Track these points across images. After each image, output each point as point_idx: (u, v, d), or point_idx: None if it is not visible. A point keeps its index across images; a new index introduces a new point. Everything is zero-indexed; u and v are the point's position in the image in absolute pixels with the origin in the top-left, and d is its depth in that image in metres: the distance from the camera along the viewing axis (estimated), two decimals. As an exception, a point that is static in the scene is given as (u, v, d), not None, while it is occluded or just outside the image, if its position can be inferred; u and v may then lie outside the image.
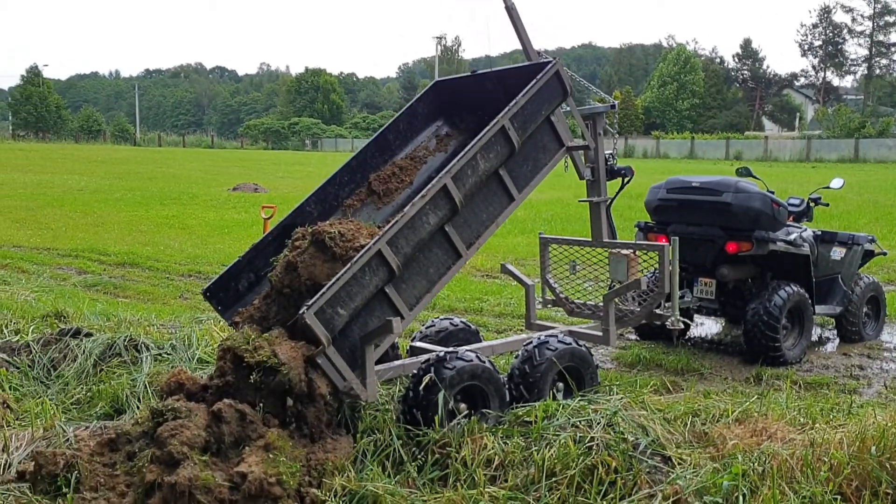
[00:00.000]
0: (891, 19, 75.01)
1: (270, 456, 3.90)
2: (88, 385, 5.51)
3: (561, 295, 6.42)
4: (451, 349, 4.73)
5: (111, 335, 6.08)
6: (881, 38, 75.94)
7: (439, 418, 4.33)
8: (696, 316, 7.73)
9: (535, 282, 6.41)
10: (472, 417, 4.45)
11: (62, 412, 5.10)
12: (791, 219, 7.15)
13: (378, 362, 4.93)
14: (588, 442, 4.24)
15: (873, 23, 75.40)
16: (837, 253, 7.25)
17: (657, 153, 58.71)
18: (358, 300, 4.25)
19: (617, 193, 6.16)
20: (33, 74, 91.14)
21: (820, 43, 78.93)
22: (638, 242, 6.14)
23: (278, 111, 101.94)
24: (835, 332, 7.75)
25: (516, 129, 4.86)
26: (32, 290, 8.82)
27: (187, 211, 18.45)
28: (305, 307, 4.03)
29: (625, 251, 5.88)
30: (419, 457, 4.23)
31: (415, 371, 4.64)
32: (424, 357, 4.79)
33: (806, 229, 6.93)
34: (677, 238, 5.66)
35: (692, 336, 7.67)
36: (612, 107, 5.83)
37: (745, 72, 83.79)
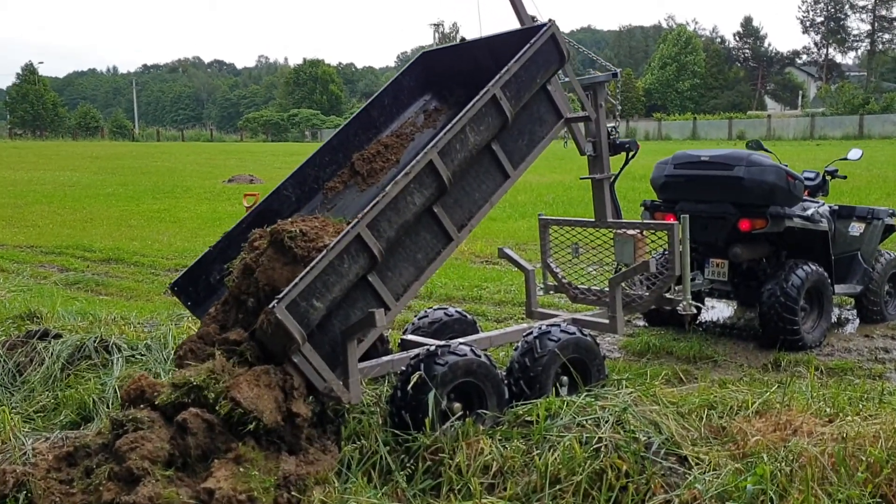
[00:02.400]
0: (893, -7, 74.08)
1: (241, 470, 3.49)
2: (55, 391, 5.10)
3: (563, 280, 5.98)
4: (443, 343, 4.31)
5: (82, 336, 5.66)
6: (883, 12, 75.09)
7: (430, 421, 3.91)
8: (706, 299, 7.28)
9: (535, 267, 5.97)
10: (467, 418, 4.02)
11: (24, 421, 4.71)
12: (806, 193, 6.70)
13: (364, 358, 4.53)
14: (595, 443, 3.82)
15: (875, -3, 74.50)
16: (856, 228, 6.80)
17: (659, 135, 58.14)
18: (336, 291, 3.82)
19: (621, 169, 5.72)
20: (29, 72, 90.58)
21: (822, 19, 78.10)
22: (645, 222, 5.69)
23: (277, 103, 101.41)
24: (854, 312, 7.31)
25: (509, 99, 4.42)
26: (9, 289, 8.40)
27: (180, 204, 18.02)
28: (276, 300, 3.61)
29: (631, 231, 5.44)
30: (409, 465, 3.82)
31: (403, 368, 4.22)
32: (414, 352, 4.36)
33: (823, 204, 6.48)
34: (687, 216, 5.21)
35: (703, 321, 7.24)
36: (615, 75, 5.38)
37: (747, 51, 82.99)
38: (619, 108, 5.74)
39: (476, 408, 4.23)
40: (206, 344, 4.02)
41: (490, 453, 3.80)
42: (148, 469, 3.47)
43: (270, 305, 3.60)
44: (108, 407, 4.76)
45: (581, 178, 5.77)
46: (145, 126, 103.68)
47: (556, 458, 3.73)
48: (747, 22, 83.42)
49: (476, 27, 5.29)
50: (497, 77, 4.33)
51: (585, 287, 5.86)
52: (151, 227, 14.40)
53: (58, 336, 5.76)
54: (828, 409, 4.40)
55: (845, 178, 7.24)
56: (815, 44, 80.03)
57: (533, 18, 5.19)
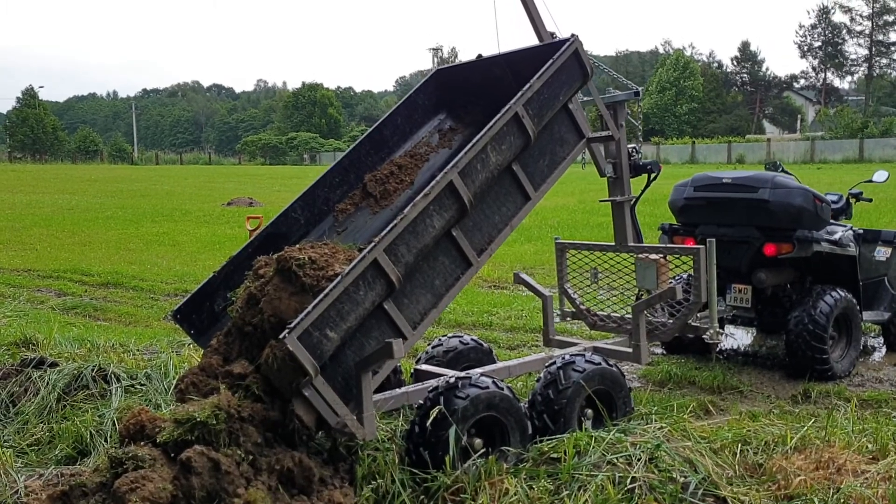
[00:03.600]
0: (890, 18, 74.48)
1: (251, 518, 3.22)
2: (50, 423, 4.84)
3: (581, 306, 5.74)
4: (462, 374, 4.05)
5: (79, 364, 5.40)
6: (881, 37, 75.43)
7: (451, 459, 3.65)
8: (726, 326, 7.02)
9: (552, 292, 5.73)
10: (490, 456, 3.75)
11: (17, 456, 4.45)
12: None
13: (377, 390, 4.27)
14: (629, 483, 3.56)
15: (872, 22, 74.90)
16: (882, 253, 6.57)
17: (658, 159, 57.96)
18: (351, 320, 3.58)
19: (642, 192, 5.50)
20: (29, 96, 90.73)
21: (819, 44, 78.43)
22: (669, 246, 5.46)
23: (276, 127, 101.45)
24: (879, 340, 7.06)
25: (531, 117, 4.21)
26: (5, 314, 8.14)
27: (179, 227, 17.78)
28: (287, 330, 3.36)
29: (653, 256, 5.21)
30: (429, 506, 3.55)
31: (420, 401, 3.96)
32: (431, 384, 4.11)
33: (850, 227, 6.25)
34: (714, 240, 4.98)
35: (724, 349, 6.98)
36: (636, 94, 5.17)
37: (745, 75, 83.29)
38: (641, 128, 5.53)
39: (498, 444, 3.98)
40: (209, 377, 3.77)
41: (515, 494, 3.55)
42: (148, 513, 3.20)
43: (281, 336, 3.36)
44: (105, 441, 4.51)
45: (601, 201, 5.55)
46: (144, 150, 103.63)
47: (587, 500, 3.48)
48: (745, 46, 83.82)
49: (472, 52, 5.07)
50: (520, 94, 4.12)
51: (605, 314, 5.62)
52: (150, 250, 14.15)
53: (54, 364, 5.50)
54: (870, 446, 4.14)
55: (871, 200, 7.02)
56: (813, 68, 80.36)
57: (552, 35, 5.00)
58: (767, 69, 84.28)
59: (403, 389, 4.41)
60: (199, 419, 3.45)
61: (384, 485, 3.64)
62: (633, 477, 3.58)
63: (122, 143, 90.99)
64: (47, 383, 5.21)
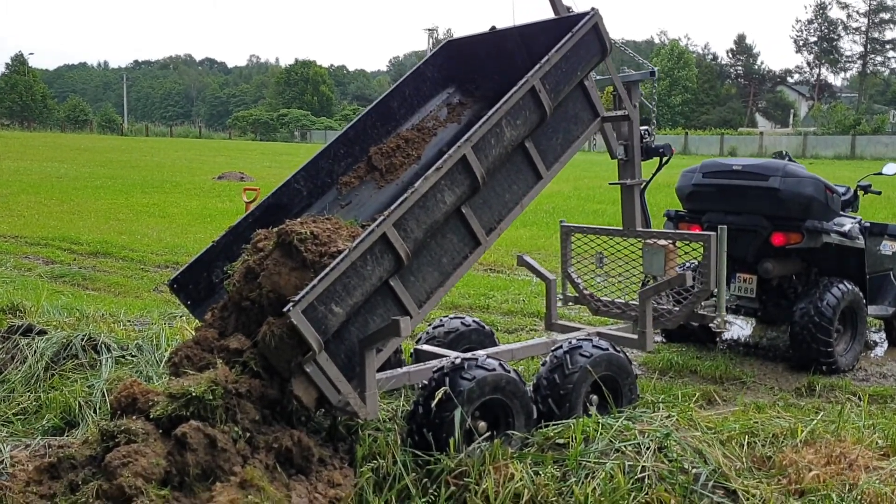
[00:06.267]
0: (886, 16, 74.55)
1: (248, 497, 3.09)
2: (37, 392, 4.69)
3: (585, 291, 5.62)
4: (469, 355, 3.92)
5: (68, 333, 5.24)
6: (876, 35, 75.49)
7: (455, 441, 3.53)
8: (728, 316, 6.93)
9: (555, 276, 5.60)
10: (495, 440, 3.64)
11: (2, 425, 4.32)
12: (835, 208, 6.35)
13: (378, 369, 4.15)
14: (639, 473, 3.45)
15: (868, 19, 74.94)
16: (888, 247, 6.48)
17: (651, 149, 57.88)
18: (357, 295, 3.44)
19: (653, 176, 5.37)
20: (19, 63, 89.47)
21: (815, 39, 78.46)
22: (679, 232, 5.33)
23: (267, 103, 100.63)
24: (881, 335, 6.99)
25: (548, 92, 4.07)
26: (-9, 280, 7.96)
27: (169, 199, 17.54)
28: (292, 304, 3.22)
29: (662, 242, 5.09)
30: (431, 490, 3.43)
31: (425, 382, 3.83)
32: (435, 364, 3.98)
33: (860, 219, 6.15)
34: (725, 227, 4.87)
35: (725, 338, 6.89)
36: (652, 74, 5.04)
37: (739, 68, 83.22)
38: (655, 110, 5.40)
39: (502, 427, 3.86)
40: (204, 351, 3.62)
41: (521, 479, 3.43)
42: (141, 488, 3.08)
43: (285, 309, 3.21)
44: (94, 412, 4.37)
45: (610, 184, 5.42)
46: (134, 121, 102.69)
47: (595, 489, 3.37)
48: (741, 39, 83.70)
49: (470, 30, 4.89)
50: (537, 67, 3.98)
51: (609, 299, 5.50)
52: (140, 221, 13.93)
53: (42, 332, 5.34)
54: (880, 442, 4.06)
55: (880, 193, 6.92)
56: (808, 63, 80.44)
57: (568, 9, 4.84)
58: (762, 63, 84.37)
59: (405, 369, 4.28)
60: (194, 394, 3.31)
61: (385, 466, 3.52)
62: (642, 466, 3.48)
63: (112, 114, 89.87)
64: (35, 351, 5.06)
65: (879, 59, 76.77)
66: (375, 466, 3.52)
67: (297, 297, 3.24)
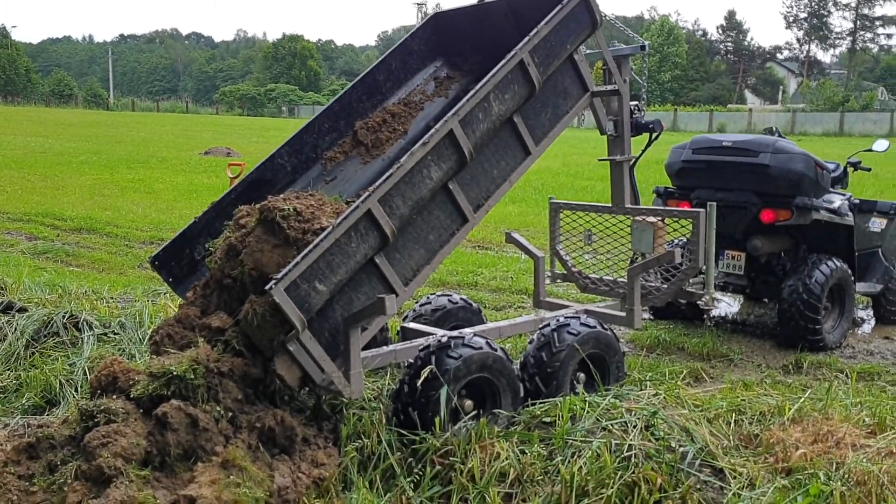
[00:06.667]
0: (876, -7, 74.38)
1: (230, 477, 3.05)
2: (17, 370, 4.62)
3: (573, 268, 5.58)
4: (455, 333, 3.88)
5: (49, 310, 5.16)
6: (866, 11, 75.37)
7: (441, 420, 3.49)
8: (716, 293, 6.91)
9: (543, 254, 5.55)
10: (481, 418, 3.60)
11: (-19, 403, 4.23)
12: (825, 185, 6.32)
13: (363, 348, 4.10)
14: (626, 451, 3.42)
15: (859, -4, 74.77)
16: (877, 224, 6.46)
17: (640, 125, 57.79)
18: (341, 273, 3.38)
19: (643, 152, 5.31)
20: (1, 36, 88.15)
21: (805, 15, 78.24)
22: (668, 209, 5.29)
23: (254, 78, 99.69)
24: (868, 312, 6.99)
25: (537, 65, 3.99)
26: (-29, 256, 7.84)
27: (155, 174, 17.36)
28: (274, 281, 3.16)
29: (651, 219, 5.05)
30: (416, 469, 3.40)
31: (410, 360, 3.79)
32: (422, 342, 3.93)
33: (850, 196, 6.12)
34: (715, 203, 4.82)
35: (713, 315, 6.87)
36: (643, 48, 4.96)
37: (729, 44, 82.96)
38: (646, 85, 5.33)
39: (489, 406, 3.83)
40: (185, 329, 3.57)
41: (507, 458, 3.40)
42: (121, 468, 3.03)
43: (267, 287, 3.15)
44: (76, 391, 4.32)
45: (600, 160, 5.36)
46: (120, 96, 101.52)
47: (581, 468, 3.34)
48: (731, 15, 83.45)
49: (458, 3, 4.79)
50: (526, 39, 3.90)
51: (597, 277, 5.46)
52: (125, 197, 13.78)
53: (23, 310, 5.27)
54: (867, 420, 4.05)
55: (869, 170, 6.89)
56: (798, 40, 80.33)
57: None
58: (752, 39, 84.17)
59: (391, 347, 4.23)
60: (176, 373, 3.26)
61: (370, 445, 3.48)
62: (629, 444, 3.45)
63: (98, 89, 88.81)
64: (15, 329, 4.98)
65: (869, 35, 76.77)
66: (360, 446, 3.49)
67: (279, 275, 3.18)
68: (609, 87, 4.67)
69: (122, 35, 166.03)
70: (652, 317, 6.75)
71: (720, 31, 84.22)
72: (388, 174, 3.48)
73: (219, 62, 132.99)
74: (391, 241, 3.55)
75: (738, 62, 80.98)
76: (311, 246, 3.26)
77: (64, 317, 4.99)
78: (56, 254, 8.76)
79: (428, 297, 5.10)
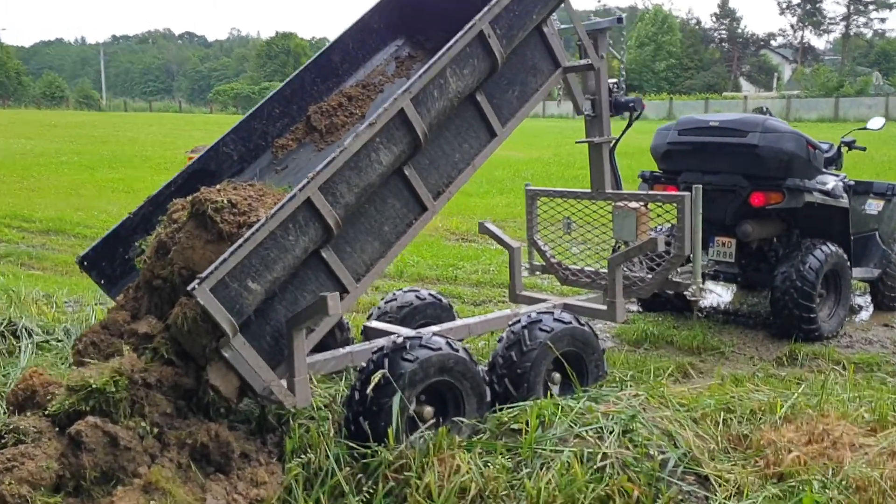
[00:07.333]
0: (869, -24, 73.91)
1: (152, 502, 2.71)
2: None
3: (552, 259, 5.23)
4: (413, 333, 3.53)
5: (-14, 318, 4.80)
6: (859, -5, 74.87)
7: (394, 431, 3.14)
8: (707, 282, 6.57)
9: (521, 244, 5.21)
10: (441, 427, 3.25)
11: None
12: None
13: (318, 349, 3.77)
14: (600, 461, 3.08)
15: (851, -20, 74.30)
16: (873, 206, 6.12)
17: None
18: (278, 270, 3.04)
19: (623, 132, 4.97)
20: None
21: (798, 1, 77.70)
22: (651, 193, 4.95)
23: (249, 76, 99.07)
24: (865, 298, 6.66)
25: (499, 37, 3.64)
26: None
27: (137, 174, 16.97)
28: (198, 280, 2.81)
29: (633, 204, 4.70)
30: (367, 486, 3.05)
31: (363, 364, 3.44)
32: (377, 344, 3.59)
33: (844, 177, 5.77)
34: (700, 186, 4.48)
35: (704, 306, 6.53)
36: (619, 21, 4.62)
37: (723, 32, 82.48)
38: (624, 61, 4.98)
39: (452, 412, 3.48)
40: (112, 336, 3.23)
41: (468, 472, 3.05)
42: (27, 496, 2.68)
43: (190, 287, 2.81)
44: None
45: (577, 142, 5.02)
46: (113, 97, 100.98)
47: (550, 480, 3.00)
48: (724, 3, 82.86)
49: None
50: (486, 9, 3.55)
51: (577, 268, 5.12)
52: (102, 197, 13.39)
53: (-41, 318, 4.91)
54: (867, 416, 3.72)
55: (864, 149, 6.55)
56: (792, 26, 79.86)
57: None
58: (745, 27, 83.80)
59: (348, 349, 3.89)
60: (95, 386, 2.92)
61: (317, 460, 3.14)
62: (604, 453, 3.11)
63: (89, 90, 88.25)
64: (-50, 338, 4.63)
65: (862, 20, 76.24)
66: (306, 461, 3.14)
67: (203, 274, 2.83)
68: (581, 62, 4.32)
69: (114, 36, 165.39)
70: (640, 310, 6.41)
71: (714, 19, 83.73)
72: (329, 159, 3.13)
73: (213, 61, 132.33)
74: (336, 234, 3.20)
75: (733, 50, 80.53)
76: (240, 241, 2.91)
77: (1, 324, 4.64)
78: (19, 257, 8.39)
79: (394, 294, 4.75)
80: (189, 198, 3.34)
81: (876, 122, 6.42)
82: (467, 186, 15.85)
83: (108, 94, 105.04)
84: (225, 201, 3.22)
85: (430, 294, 4.80)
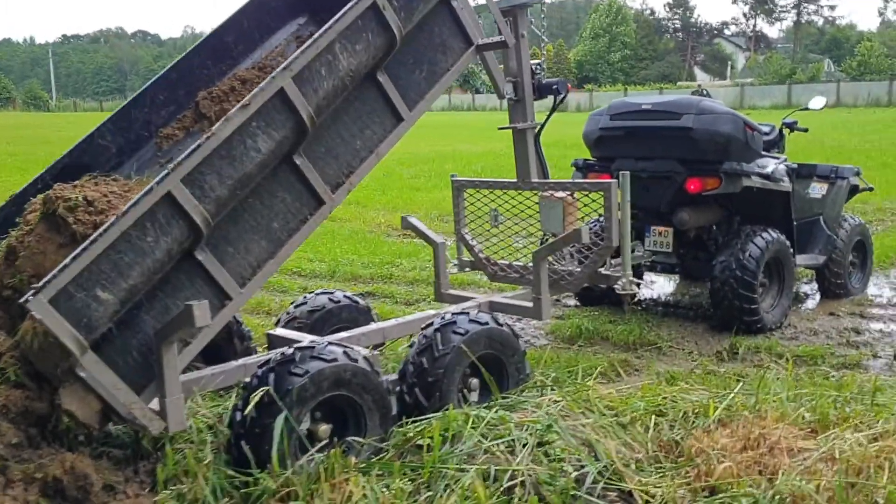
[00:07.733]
0: (818, -35, 75.03)
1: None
2: None
3: (480, 254, 4.90)
4: (306, 343, 3.17)
5: None
6: (809, -16, 76.03)
7: (278, 454, 2.78)
8: (646, 274, 6.29)
9: (446, 240, 4.88)
10: (334, 449, 2.89)
11: None
12: (759, 150, 5.71)
13: (213, 360, 3.41)
14: (508, 480, 2.76)
15: (802, -31, 75.37)
16: (817, 190, 5.90)
17: (590, 106, 57.50)
18: (135, 276, 2.65)
19: (548, 117, 4.64)
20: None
21: (750, -11, 78.70)
22: (575, 181, 4.65)
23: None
24: (812, 286, 6.44)
25: (396, 10, 3.30)
26: None
27: (72, 175, 16.27)
28: (33, 291, 2.42)
29: (559, 194, 4.40)
30: (247, 519, 2.68)
31: (247, 380, 3.07)
32: (265, 357, 3.22)
33: (785, 159, 5.52)
34: (627, 173, 4.18)
35: (643, 299, 6.24)
36: (539, -4, 4.29)
37: (676, 22, 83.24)
38: (546, 40, 4.65)
39: (352, 430, 3.13)
40: (-48, 356, 2.81)
41: (363, 497, 2.71)
42: None
43: (24, 298, 2.41)
44: None
45: (500, 129, 4.70)
46: (63, 98, 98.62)
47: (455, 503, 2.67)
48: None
49: None
50: (378, -23, 3.18)
51: (506, 263, 4.80)
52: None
53: None
54: (807, 416, 3.44)
55: (807, 130, 6.33)
56: (744, 15, 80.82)
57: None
58: (699, 16, 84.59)
59: (241, 362, 3.51)
60: None
61: (192, 491, 2.76)
62: (514, 470, 2.79)
63: (38, 91, 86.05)
64: None
65: (812, 7, 77.44)
66: (180, 492, 2.77)
67: (40, 283, 2.44)
68: (495, 39, 3.98)
69: (65, 36, 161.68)
70: (578, 304, 6.11)
71: (667, 9, 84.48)
72: (194, 146, 2.75)
73: (166, 60, 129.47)
74: (206, 233, 2.82)
75: (687, 39, 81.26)
76: (85, 243, 2.52)
77: None
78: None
79: (305, 297, 4.38)
80: (40, 196, 2.94)
81: (817, 102, 6.20)
82: (414, 181, 15.46)
83: (58, 94, 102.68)
84: (80, 198, 2.84)
85: (345, 296, 4.43)
